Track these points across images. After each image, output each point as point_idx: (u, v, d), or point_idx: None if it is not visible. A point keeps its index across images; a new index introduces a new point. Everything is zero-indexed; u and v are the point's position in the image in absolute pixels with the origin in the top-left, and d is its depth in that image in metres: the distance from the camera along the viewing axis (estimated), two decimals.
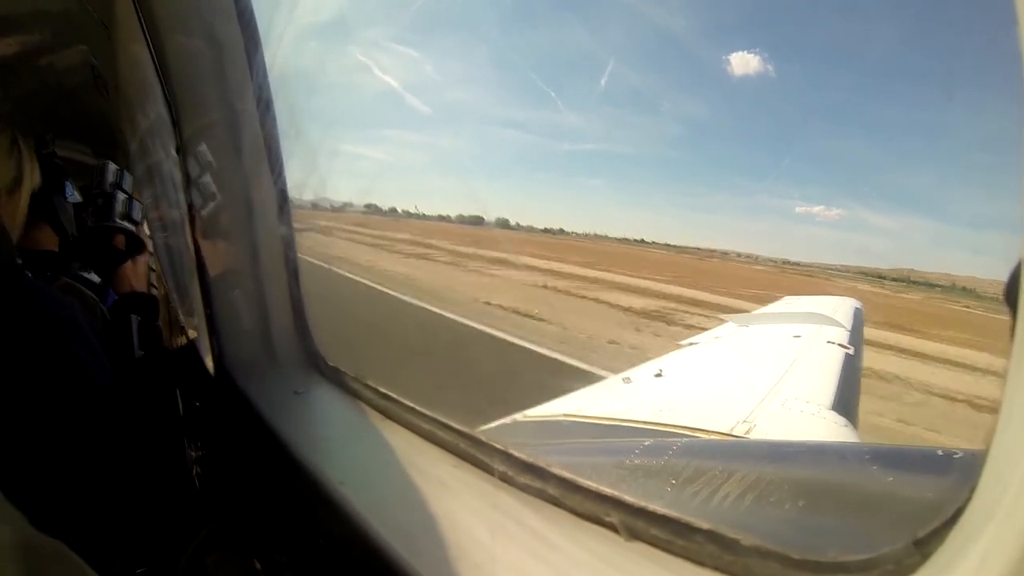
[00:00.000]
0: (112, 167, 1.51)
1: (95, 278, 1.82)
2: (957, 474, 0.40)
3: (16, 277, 0.97)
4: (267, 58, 1.11)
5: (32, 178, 1.26)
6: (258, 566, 0.89)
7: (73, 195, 1.70)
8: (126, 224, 1.54)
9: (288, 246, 1.16)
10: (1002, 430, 0.34)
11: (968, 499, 0.37)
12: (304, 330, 1.16)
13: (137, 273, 1.67)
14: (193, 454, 1.90)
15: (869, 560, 0.44)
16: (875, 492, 0.93)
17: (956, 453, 1.02)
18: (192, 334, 1.69)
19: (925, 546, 0.40)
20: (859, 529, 0.79)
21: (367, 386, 0.93)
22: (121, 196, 1.51)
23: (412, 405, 0.80)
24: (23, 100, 2.12)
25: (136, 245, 1.59)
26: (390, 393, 0.86)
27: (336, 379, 1.05)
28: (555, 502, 0.58)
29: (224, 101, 1.10)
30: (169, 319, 1.74)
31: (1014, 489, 0.33)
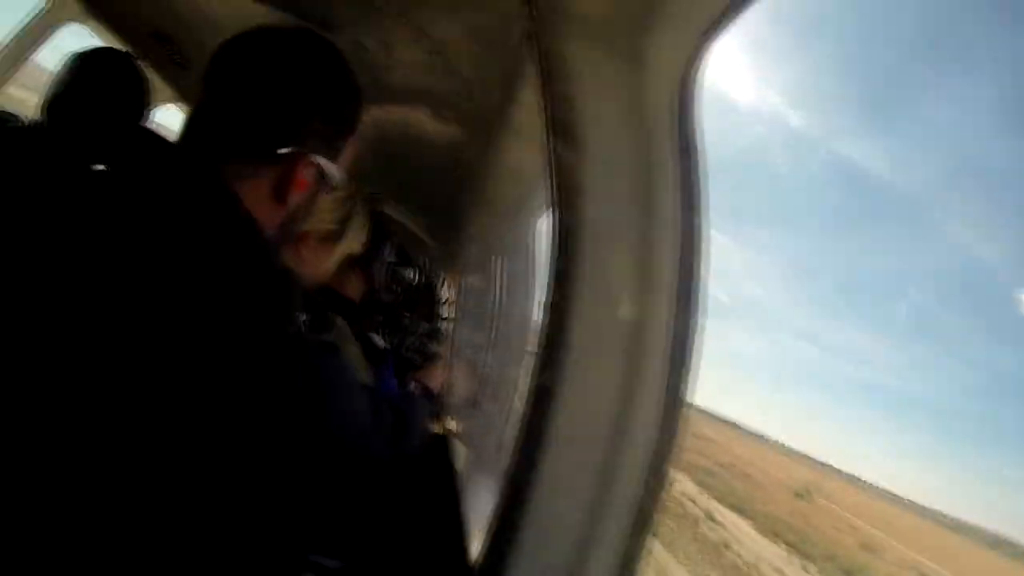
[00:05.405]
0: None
1: (379, 342, 1.84)
2: None
3: (292, 339, 0.66)
4: None
5: (354, 239, 1.20)
6: None
7: (390, 254, 1.76)
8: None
9: None
10: None
11: None
12: None
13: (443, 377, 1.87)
14: None
15: None
16: None
17: None
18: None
19: None
20: None
21: None
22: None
23: None
24: (406, 177, 2.21)
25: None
26: None
27: None
28: None
29: None
30: None
31: None
